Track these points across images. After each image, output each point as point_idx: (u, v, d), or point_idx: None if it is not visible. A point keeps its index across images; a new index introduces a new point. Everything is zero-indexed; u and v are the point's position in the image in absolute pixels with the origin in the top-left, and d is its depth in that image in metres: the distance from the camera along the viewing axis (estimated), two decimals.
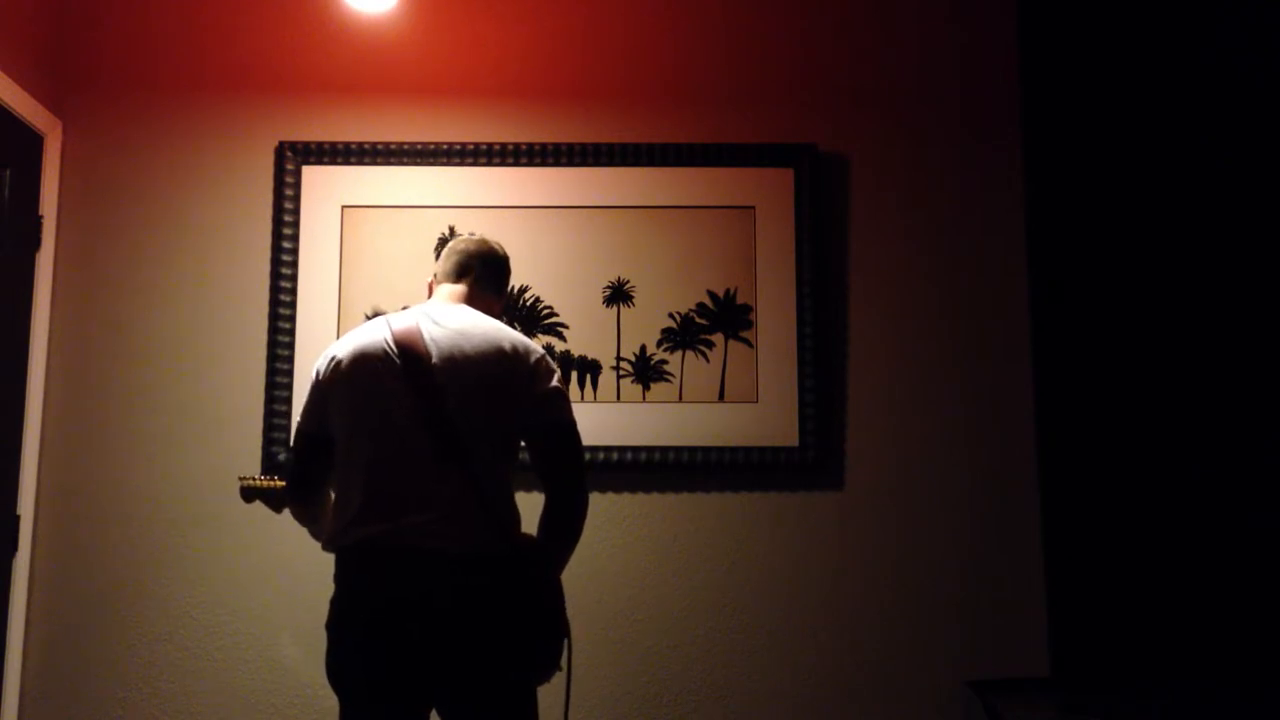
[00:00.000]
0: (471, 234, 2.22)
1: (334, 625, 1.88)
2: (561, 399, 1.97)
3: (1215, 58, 2.84)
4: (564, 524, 1.96)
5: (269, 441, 2.72)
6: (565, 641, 1.92)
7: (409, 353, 1.91)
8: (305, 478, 2.04)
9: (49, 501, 2.72)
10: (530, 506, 1.99)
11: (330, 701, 2.66)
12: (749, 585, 2.74)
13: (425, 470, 1.87)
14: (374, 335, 1.97)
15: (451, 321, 1.97)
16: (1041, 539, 2.74)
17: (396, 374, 1.90)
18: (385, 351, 1.93)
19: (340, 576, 1.91)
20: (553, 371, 1.98)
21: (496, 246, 2.16)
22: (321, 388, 1.99)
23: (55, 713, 2.66)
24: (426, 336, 1.94)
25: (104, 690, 2.67)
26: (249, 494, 2.15)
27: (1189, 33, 2.85)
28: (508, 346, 1.95)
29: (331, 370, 1.97)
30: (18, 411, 2.67)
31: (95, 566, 2.71)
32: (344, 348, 1.98)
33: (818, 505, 2.76)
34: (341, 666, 1.87)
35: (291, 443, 2.05)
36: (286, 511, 2.15)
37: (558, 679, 1.94)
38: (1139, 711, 2.47)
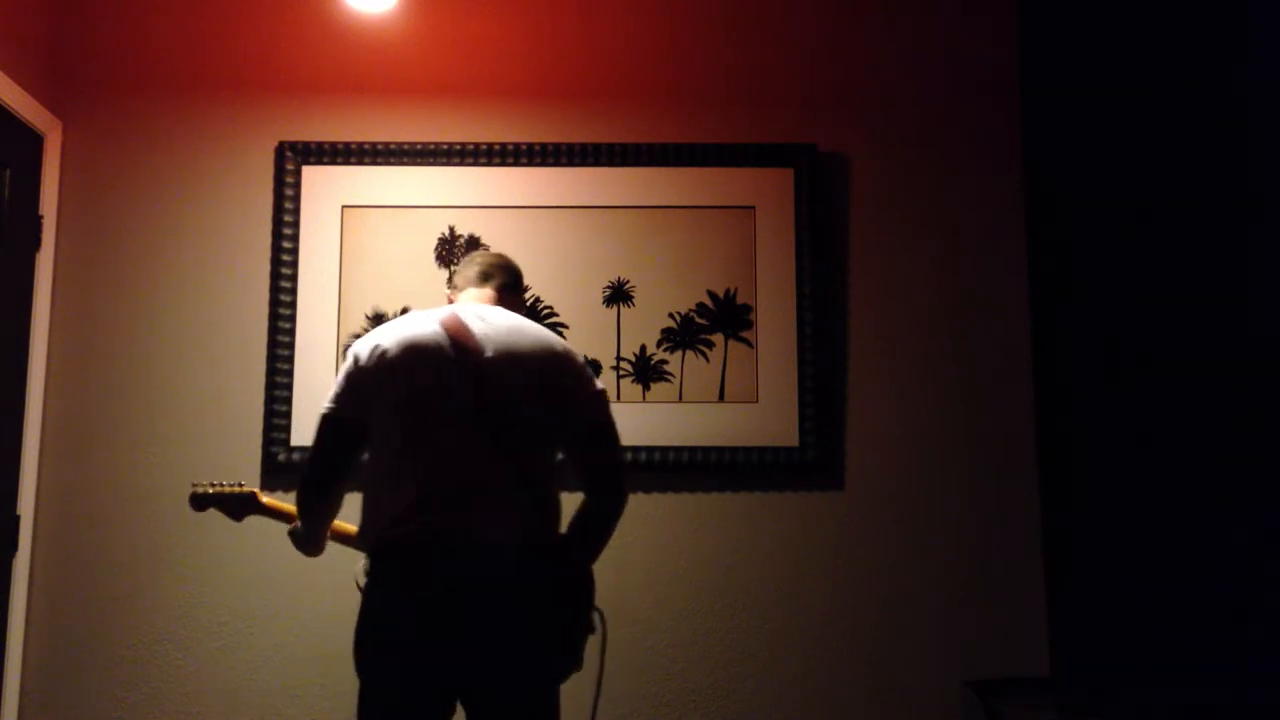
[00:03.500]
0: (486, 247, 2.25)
1: (373, 616, 1.89)
2: (606, 402, 2.02)
3: (1216, 57, 2.84)
4: (601, 524, 2.01)
5: (269, 441, 2.72)
6: (588, 638, 1.98)
7: (463, 347, 1.92)
8: (334, 464, 2.00)
9: (49, 501, 2.72)
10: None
11: (330, 702, 2.67)
12: (749, 585, 2.74)
13: (479, 464, 1.89)
14: (424, 327, 1.96)
15: (499, 320, 1.99)
16: (1041, 539, 2.74)
17: (451, 367, 1.91)
18: (439, 344, 1.93)
19: (385, 566, 1.90)
20: (594, 375, 2.04)
21: (510, 259, 2.21)
22: (363, 375, 1.95)
23: (55, 713, 2.66)
24: (477, 333, 1.95)
25: (104, 690, 2.67)
26: (201, 501, 2.14)
27: (1189, 32, 2.85)
28: (558, 348, 2.00)
29: (377, 358, 1.94)
30: (18, 411, 2.67)
31: (95, 566, 2.71)
32: (390, 337, 1.95)
33: (818, 505, 2.76)
34: (378, 655, 1.88)
35: (318, 430, 1.99)
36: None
37: (574, 678, 1.96)
38: (1139, 712, 2.47)
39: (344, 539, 2.16)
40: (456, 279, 2.17)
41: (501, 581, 1.84)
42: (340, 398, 1.98)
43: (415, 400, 1.91)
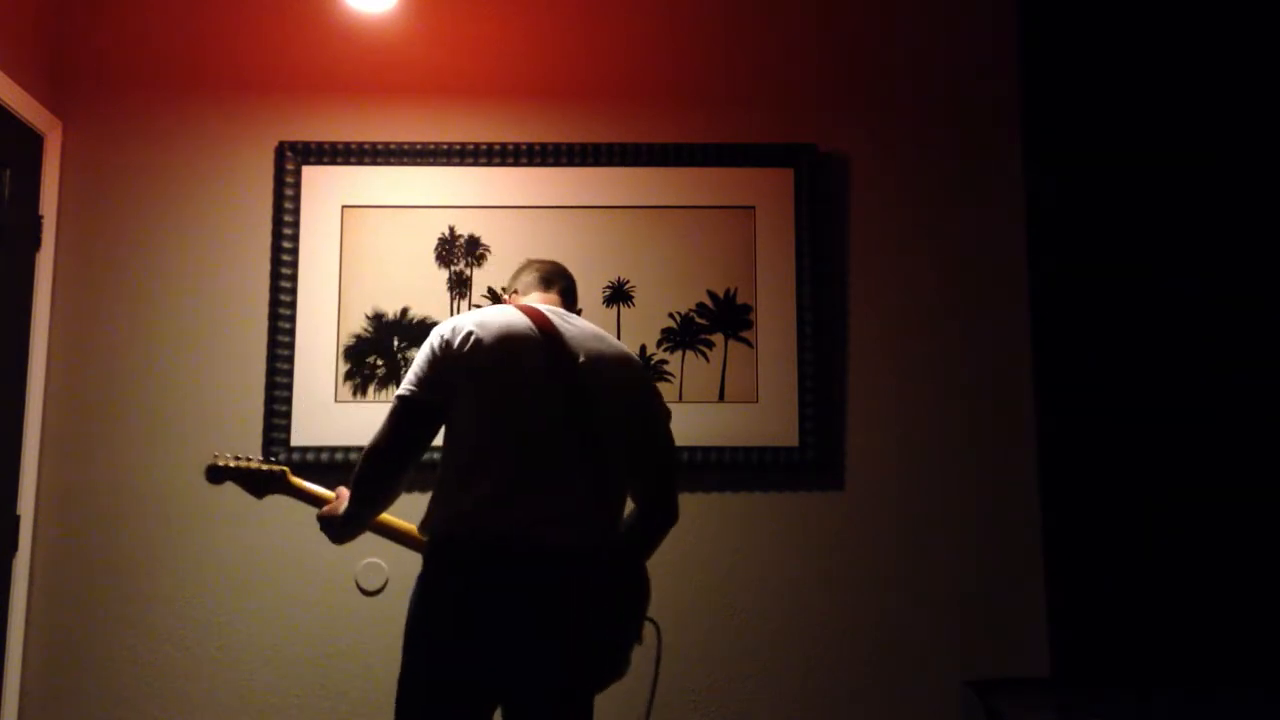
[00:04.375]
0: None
1: (429, 608, 1.84)
2: (669, 417, 2.05)
3: (1217, 56, 2.84)
4: (653, 535, 2.02)
5: (269, 441, 2.71)
6: (635, 648, 1.95)
7: (557, 345, 1.91)
8: (408, 450, 1.92)
9: (49, 501, 2.72)
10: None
11: (330, 702, 2.67)
12: (749, 585, 2.74)
13: (561, 466, 1.88)
14: (515, 319, 1.94)
15: (582, 324, 2.00)
16: (1041, 539, 2.74)
17: (546, 365, 1.90)
18: (535, 339, 1.91)
19: (452, 559, 1.85)
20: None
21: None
22: (451, 360, 1.89)
23: (55, 713, 2.66)
24: (567, 334, 1.94)
25: (104, 690, 2.67)
26: (219, 474, 2.10)
27: (1190, 31, 2.85)
28: (637, 361, 2.06)
29: (470, 345, 1.89)
30: (18, 411, 2.67)
31: (95, 566, 2.71)
32: (482, 324, 1.91)
33: (818, 505, 2.76)
34: (427, 650, 1.84)
35: (393, 413, 1.90)
36: (292, 507, 2.14)
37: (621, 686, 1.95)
38: (1139, 711, 2.47)
39: (387, 531, 2.10)
40: (517, 284, 2.15)
41: (570, 587, 1.84)
42: (422, 381, 1.90)
43: (506, 393, 1.89)
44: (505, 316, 1.95)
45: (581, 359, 1.92)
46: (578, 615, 1.85)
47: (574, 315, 2.05)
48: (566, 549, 1.85)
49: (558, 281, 2.14)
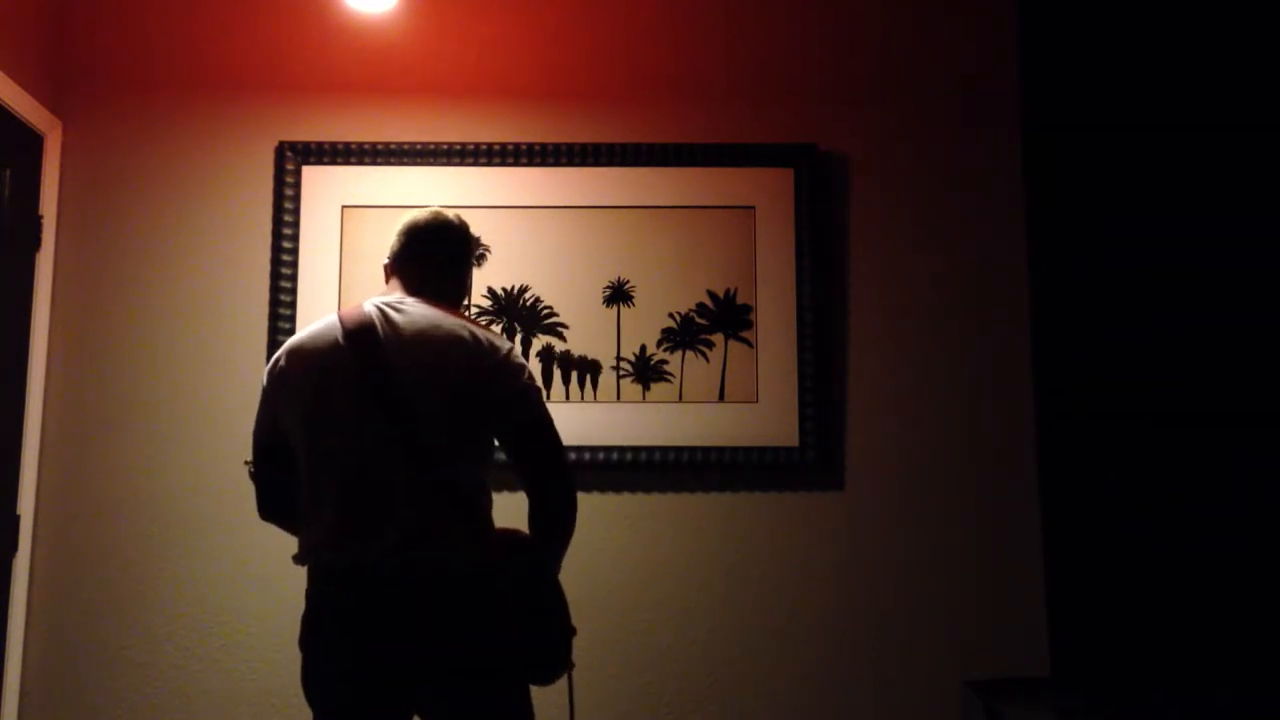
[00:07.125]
0: (427, 207, 2.03)
1: (309, 646, 1.79)
2: (537, 394, 1.85)
3: (1219, 55, 2.84)
4: (557, 522, 1.84)
5: None
6: (572, 639, 1.87)
7: (365, 352, 1.77)
8: (271, 496, 1.91)
9: (49, 501, 2.72)
10: (513, 505, 1.98)
11: None
12: (749, 585, 2.74)
13: (398, 483, 1.74)
14: (322, 333, 1.82)
15: (413, 315, 1.83)
16: (1041, 539, 2.74)
17: (352, 376, 1.76)
18: (336, 352, 1.78)
19: (314, 595, 1.80)
20: (524, 366, 1.85)
21: (454, 219, 2.00)
22: (271, 393, 1.85)
23: (55, 713, 2.66)
24: (384, 334, 1.79)
25: (104, 690, 2.67)
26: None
27: (1191, 31, 2.85)
28: (472, 342, 1.81)
29: (277, 374, 1.83)
30: (18, 411, 2.67)
31: (95, 566, 2.71)
32: (291, 350, 1.84)
33: (818, 505, 2.76)
34: (318, 685, 1.78)
35: (251, 458, 1.90)
36: None
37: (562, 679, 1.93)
38: (1139, 712, 2.47)
39: None
40: (392, 254, 1.96)
41: (429, 613, 1.71)
42: (259, 419, 1.89)
43: (317, 416, 1.78)
44: (309, 335, 1.84)
45: (394, 359, 1.76)
46: (450, 638, 1.72)
47: (412, 303, 1.86)
48: (422, 577, 1.72)
49: (425, 255, 1.94)
